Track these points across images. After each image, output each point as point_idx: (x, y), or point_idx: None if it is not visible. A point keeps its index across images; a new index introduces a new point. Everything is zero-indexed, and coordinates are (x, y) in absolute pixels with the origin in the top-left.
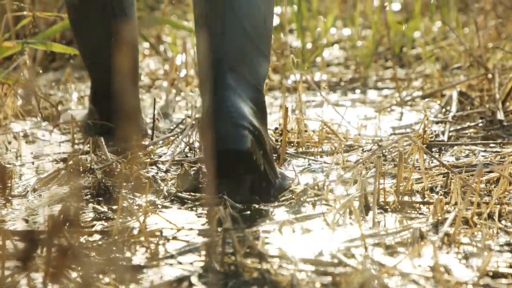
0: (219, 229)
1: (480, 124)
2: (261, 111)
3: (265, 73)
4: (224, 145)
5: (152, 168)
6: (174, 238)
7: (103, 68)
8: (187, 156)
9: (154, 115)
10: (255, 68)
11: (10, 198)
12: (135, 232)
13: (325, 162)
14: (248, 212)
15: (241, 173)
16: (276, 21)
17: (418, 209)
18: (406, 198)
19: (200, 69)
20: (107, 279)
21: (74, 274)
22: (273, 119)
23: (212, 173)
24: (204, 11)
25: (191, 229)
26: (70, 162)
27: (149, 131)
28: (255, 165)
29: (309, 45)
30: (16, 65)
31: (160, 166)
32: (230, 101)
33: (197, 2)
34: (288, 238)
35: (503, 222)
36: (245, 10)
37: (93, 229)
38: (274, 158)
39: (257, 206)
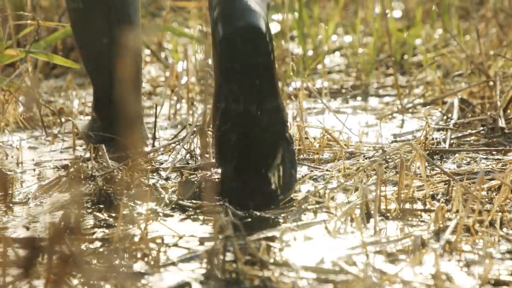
0: (220, 236)
1: (482, 132)
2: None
3: None
4: (242, 20)
5: (153, 176)
6: (175, 245)
7: (105, 74)
8: (188, 163)
9: (155, 122)
10: None
11: (11, 205)
12: (136, 239)
13: (326, 170)
14: (249, 220)
15: (254, 54)
16: (277, 28)
17: (419, 217)
18: (407, 206)
19: None
20: (108, 286)
21: (75, 282)
22: None
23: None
24: None
25: (192, 236)
26: (71, 169)
27: (150, 138)
28: (268, 48)
29: (310, 52)
30: (18, 72)
31: (161, 173)
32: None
33: None
34: (289, 246)
35: (504, 229)
36: None
37: (94, 236)
38: None
39: (258, 213)
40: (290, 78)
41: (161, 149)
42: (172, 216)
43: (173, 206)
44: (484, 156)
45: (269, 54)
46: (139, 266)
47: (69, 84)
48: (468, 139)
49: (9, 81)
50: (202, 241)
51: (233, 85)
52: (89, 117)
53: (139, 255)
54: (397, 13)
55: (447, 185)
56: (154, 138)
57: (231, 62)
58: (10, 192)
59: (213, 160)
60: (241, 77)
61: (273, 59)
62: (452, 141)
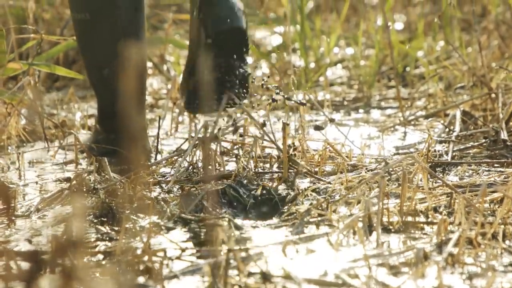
0: (223, 249)
1: (484, 144)
2: None
3: None
4: (228, 23)
5: (155, 188)
6: (178, 258)
7: (109, 86)
8: (190, 176)
9: (158, 134)
10: None
11: (13, 218)
12: (139, 252)
13: (328, 182)
14: (252, 232)
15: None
16: (279, 40)
17: (422, 229)
18: (409, 218)
19: None
20: None
21: None
22: (277, 138)
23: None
24: None
25: (194, 249)
26: (74, 182)
27: (153, 151)
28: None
29: (312, 65)
30: (20, 85)
31: (163, 186)
32: None
33: None
34: (291, 258)
35: (507, 242)
36: None
37: (97, 249)
38: (279, 177)
39: (260, 226)
40: (292, 91)
41: (163, 161)
42: (174, 229)
43: (176, 219)
44: (487, 169)
45: (248, 47)
46: (141, 279)
47: (71, 97)
48: (470, 151)
49: (12, 94)
50: (204, 254)
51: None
52: (91, 131)
53: (141, 268)
54: (399, 25)
55: (449, 198)
56: (156, 151)
57: (216, 59)
58: (13, 205)
59: (216, 173)
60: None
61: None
62: (454, 154)
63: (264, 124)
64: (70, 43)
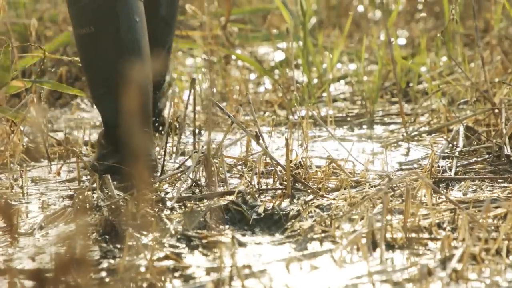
0: (226, 266)
1: (487, 159)
2: None
3: None
4: None
5: (159, 206)
6: (181, 276)
7: (112, 101)
8: (193, 193)
9: (165, 150)
10: None
11: (16, 236)
12: (142, 269)
13: (333, 199)
14: (255, 249)
15: None
16: (281, 56)
17: (425, 246)
18: (413, 235)
19: None
20: None
21: None
22: (280, 154)
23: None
24: None
25: (198, 267)
26: (77, 200)
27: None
28: None
29: (315, 81)
30: (23, 102)
31: (167, 203)
32: None
33: None
34: (295, 275)
35: (511, 258)
36: None
37: (100, 267)
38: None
39: (264, 242)
40: (295, 107)
41: (166, 178)
42: (177, 246)
43: (179, 236)
44: (490, 184)
45: None
46: None
47: (74, 114)
48: (474, 167)
49: (15, 111)
50: (208, 271)
51: None
52: (94, 148)
53: (145, 286)
54: (402, 41)
55: (453, 213)
56: (162, 168)
57: None
58: (16, 223)
59: (219, 189)
60: None
61: None
62: (457, 169)
63: (259, 138)
64: (66, 36)
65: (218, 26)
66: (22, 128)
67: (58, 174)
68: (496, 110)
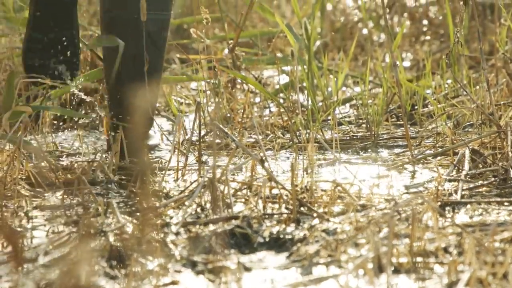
0: None
1: (493, 183)
2: None
3: None
4: None
5: (164, 231)
6: None
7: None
8: (198, 218)
9: (177, 173)
10: None
11: (21, 262)
12: None
13: (339, 223)
14: (261, 274)
15: None
16: (286, 79)
17: (432, 270)
18: (419, 259)
19: None
20: None
21: None
22: (286, 178)
23: None
24: None
25: None
26: (82, 225)
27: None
28: None
29: (320, 104)
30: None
31: (172, 228)
32: None
33: None
34: None
35: None
36: None
37: None
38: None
39: (269, 267)
40: (300, 130)
41: (171, 203)
42: (183, 272)
43: (184, 261)
44: (496, 207)
45: None
46: None
47: (78, 138)
48: (480, 190)
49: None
50: None
51: None
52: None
53: None
54: (407, 64)
55: (459, 237)
56: (167, 194)
57: None
58: (21, 249)
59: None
60: None
61: None
62: (463, 192)
63: (264, 162)
64: (67, 89)
65: (223, 50)
66: (26, 153)
67: (62, 199)
68: (502, 133)
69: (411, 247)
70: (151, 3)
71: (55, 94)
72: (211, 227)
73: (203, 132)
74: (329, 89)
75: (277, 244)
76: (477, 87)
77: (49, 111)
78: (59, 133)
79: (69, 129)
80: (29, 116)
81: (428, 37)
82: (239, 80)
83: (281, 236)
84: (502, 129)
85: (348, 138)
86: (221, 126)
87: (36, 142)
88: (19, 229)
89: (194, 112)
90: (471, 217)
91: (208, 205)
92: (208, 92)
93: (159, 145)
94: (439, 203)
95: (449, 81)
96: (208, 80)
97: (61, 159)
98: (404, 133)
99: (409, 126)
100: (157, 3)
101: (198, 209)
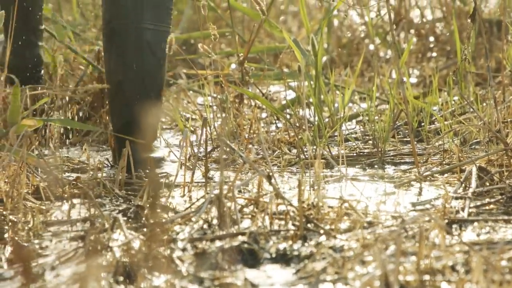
0: None
1: (500, 200)
2: None
3: None
4: None
5: (170, 247)
6: None
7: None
8: (205, 234)
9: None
10: None
11: (31, 277)
12: None
13: (346, 240)
14: None
15: None
16: (293, 95)
17: None
18: (427, 277)
19: None
20: None
21: None
22: (292, 195)
23: None
24: None
25: None
26: (89, 241)
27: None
28: None
29: (326, 120)
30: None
31: (178, 243)
32: None
33: None
34: None
35: None
36: None
37: None
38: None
39: (276, 284)
40: (306, 146)
41: (178, 219)
42: None
43: (191, 278)
44: (504, 225)
45: None
46: None
47: (85, 153)
48: (487, 208)
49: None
50: None
51: None
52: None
53: None
54: (413, 80)
55: (466, 256)
56: (174, 210)
57: None
58: (31, 264)
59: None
60: None
61: None
62: (470, 210)
63: (270, 178)
64: (65, 121)
65: (229, 65)
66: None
67: (69, 214)
68: (509, 151)
69: (418, 265)
70: (149, 14)
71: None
72: (218, 243)
73: (209, 148)
74: (336, 105)
75: (284, 260)
76: (484, 104)
77: (55, 123)
78: (67, 147)
79: (77, 143)
80: (36, 129)
81: (434, 54)
82: (246, 95)
83: (288, 252)
84: (509, 146)
85: (354, 154)
86: (228, 142)
87: (42, 156)
88: (26, 244)
89: (201, 128)
90: (478, 235)
91: (215, 221)
92: (215, 108)
93: (164, 159)
94: (446, 221)
95: (456, 98)
96: (215, 95)
97: (68, 173)
98: (411, 150)
99: (416, 143)
100: (155, 14)
101: (205, 225)
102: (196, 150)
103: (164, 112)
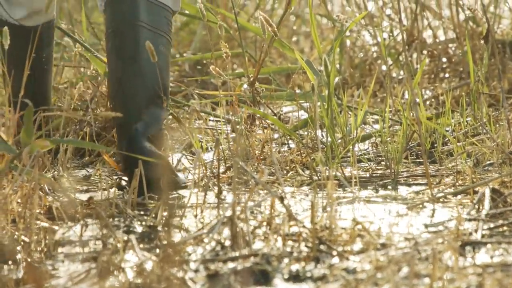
0: None
1: None
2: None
3: None
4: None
5: (183, 268)
6: None
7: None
8: (217, 255)
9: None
10: None
11: None
12: None
13: (359, 261)
14: None
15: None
16: (305, 115)
17: None
18: None
19: None
20: None
21: None
22: (305, 216)
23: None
24: None
25: None
26: (101, 261)
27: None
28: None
29: (339, 140)
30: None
31: (191, 265)
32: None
33: None
34: None
35: None
36: None
37: None
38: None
39: None
40: (319, 167)
41: (190, 239)
42: None
43: None
44: None
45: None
46: None
47: (98, 172)
48: (500, 230)
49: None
50: None
51: None
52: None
53: None
54: (426, 101)
55: (480, 278)
56: (186, 230)
57: None
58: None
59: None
60: None
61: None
62: (484, 232)
63: (283, 198)
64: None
65: (241, 86)
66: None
67: (81, 234)
68: None
69: (432, 287)
70: (145, 16)
71: (57, 123)
72: (231, 264)
73: (222, 168)
74: (349, 125)
75: (297, 282)
76: (497, 125)
77: (68, 144)
78: (79, 167)
79: (90, 164)
80: (49, 150)
81: (447, 75)
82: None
83: (301, 274)
84: None
85: (367, 175)
86: (241, 163)
87: (55, 177)
88: (38, 265)
89: (213, 148)
90: (491, 257)
91: (227, 242)
92: (227, 128)
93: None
94: (460, 243)
95: (469, 119)
96: (228, 115)
97: (80, 194)
98: (424, 171)
99: (428, 164)
100: (152, 19)
101: (218, 247)
102: (208, 171)
103: (173, 130)
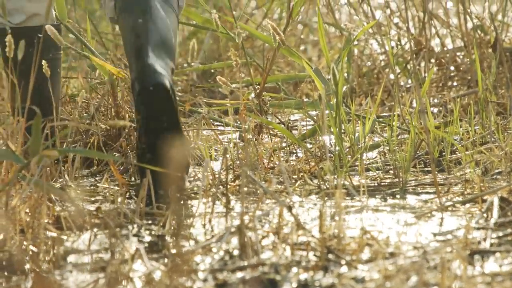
0: None
1: None
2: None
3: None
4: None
5: (191, 277)
6: None
7: None
8: (226, 265)
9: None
10: None
11: None
12: None
13: (367, 271)
14: None
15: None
16: (314, 124)
17: None
18: None
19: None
20: None
21: None
22: (313, 225)
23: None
24: None
25: None
26: (109, 271)
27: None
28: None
29: (347, 149)
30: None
31: (199, 274)
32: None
33: None
34: None
35: None
36: None
37: None
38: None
39: None
40: (327, 176)
41: (199, 249)
42: None
43: None
44: None
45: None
46: None
47: (106, 182)
48: (509, 238)
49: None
50: None
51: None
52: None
53: None
54: (434, 109)
55: (489, 287)
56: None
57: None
58: None
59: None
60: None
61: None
62: (492, 241)
63: (291, 208)
64: (86, 152)
65: (249, 95)
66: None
67: (89, 244)
68: None
69: None
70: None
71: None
72: (239, 274)
73: (230, 178)
74: (357, 134)
75: None
76: (506, 133)
77: (76, 153)
78: (87, 177)
79: (97, 174)
80: (57, 160)
81: (455, 83)
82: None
83: (309, 283)
84: None
85: (376, 184)
86: (249, 172)
87: (64, 187)
88: (46, 275)
89: (221, 157)
90: (500, 266)
91: (236, 252)
92: (235, 137)
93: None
94: (468, 252)
95: (477, 127)
96: (237, 124)
97: (88, 203)
98: (432, 179)
99: (437, 172)
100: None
101: (226, 256)
102: (217, 180)
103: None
